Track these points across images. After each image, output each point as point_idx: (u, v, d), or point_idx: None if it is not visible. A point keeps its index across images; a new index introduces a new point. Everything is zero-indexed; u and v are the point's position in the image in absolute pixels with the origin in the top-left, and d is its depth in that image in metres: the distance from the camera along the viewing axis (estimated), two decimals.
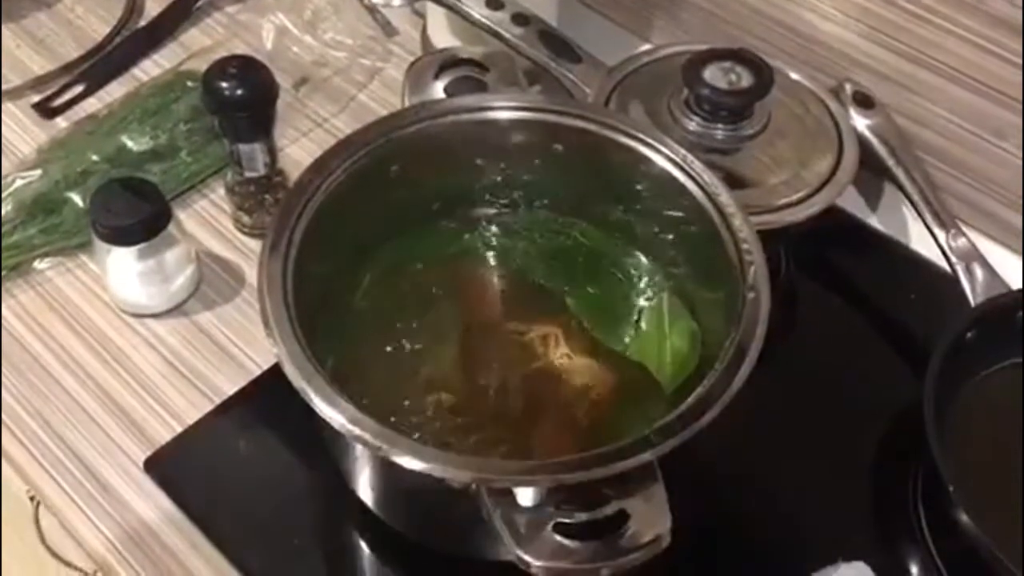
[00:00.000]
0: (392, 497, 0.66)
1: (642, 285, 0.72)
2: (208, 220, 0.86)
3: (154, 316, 0.80)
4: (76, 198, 0.83)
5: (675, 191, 0.67)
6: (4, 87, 0.95)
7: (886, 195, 0.88)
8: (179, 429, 0.74)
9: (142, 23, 1.01)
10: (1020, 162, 0.80)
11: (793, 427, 0.74)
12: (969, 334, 0.74)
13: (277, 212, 0.65)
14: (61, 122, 0.93)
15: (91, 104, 0.94)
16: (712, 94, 0.75)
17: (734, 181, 0.74)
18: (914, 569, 0.70)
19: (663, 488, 0.54)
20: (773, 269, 0.63)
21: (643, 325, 0.70)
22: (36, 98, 0.95)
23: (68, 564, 0.86)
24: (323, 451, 0.66)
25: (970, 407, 0.74)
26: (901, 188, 0.82)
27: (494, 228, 0.74)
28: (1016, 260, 0.82)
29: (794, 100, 0.82)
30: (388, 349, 0.69)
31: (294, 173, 0.80)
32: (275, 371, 0.60)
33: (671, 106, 0.79)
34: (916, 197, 0.81)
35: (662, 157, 0.68)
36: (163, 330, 0.79)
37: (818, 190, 0.77)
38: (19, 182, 0.84)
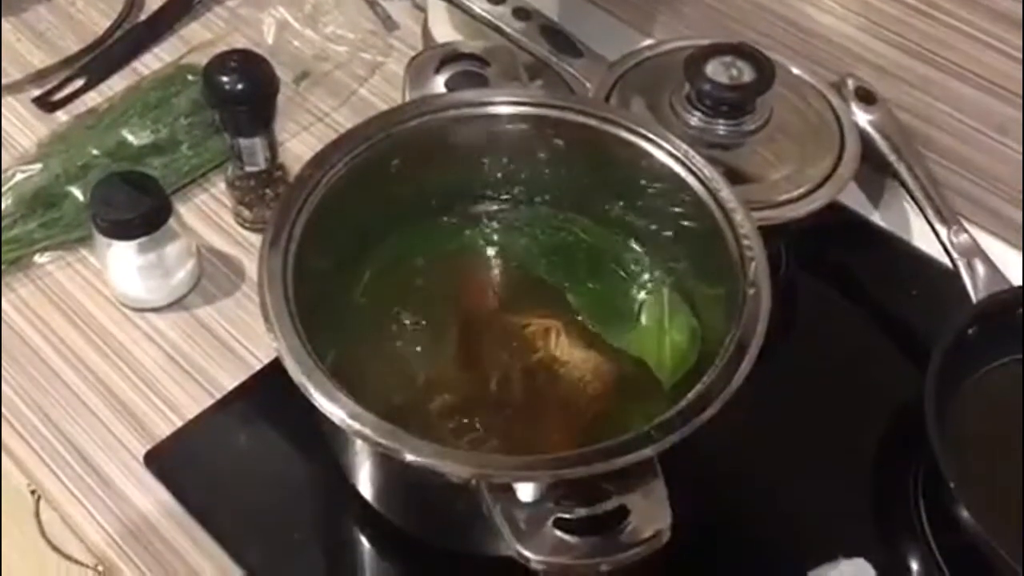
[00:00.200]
0: (392, 492, 0.66)
1: (642, 280, 0.72)
2: (208, 214, 0.86)
3: (154, 310, 0.80)
4: (76, 192, 0.83)
5: (676, 186, 0.67)
6: (4, 81, 0.95)
7: (888, 191, 0.88)
8: (179, 423, 0.74)
9: (142, 17, 1.01)
10: (1021, 157, 0.80)
11: (793, 423, 0.74)
12: (970, 330, 0.73)
13: (277, 206, 0.65)
14: (61, 116, 0.93)
15: (91, 98, 0.94)
16: (713, 89, 0.75)
17: (735, 177, 0.73)
18: (914, 565, 0.69)
19: (663, 484, 0.54)
20: (774, 265, 0.63)
21: (643, 320, 0.69)
22: (36, 92, 0.95)
23: (68, 558, 0.86)
24: (323, 446, 0.66)
25: (971, 403, 0.74)
26: (903, 184, 0.82)
27: (494, 223, 0.74)
28: (1018, 256, 0.82)
29: (796, 95, 0.81)
30: (388, 344, 0.69)
31: (295, 167, 0.80)
32: (275, 365, 0.60)
33: (672, 101, 0.79)
34: (918, 193, 0.81)
35: (663, 152, 0.68)
36: (163, 324, 0.79)
37: (820, 186, 0.76)
38: (19, 176, 0.84)
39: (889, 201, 0.88)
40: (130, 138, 0.87)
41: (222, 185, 0.86)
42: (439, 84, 0.75)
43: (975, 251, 0.77)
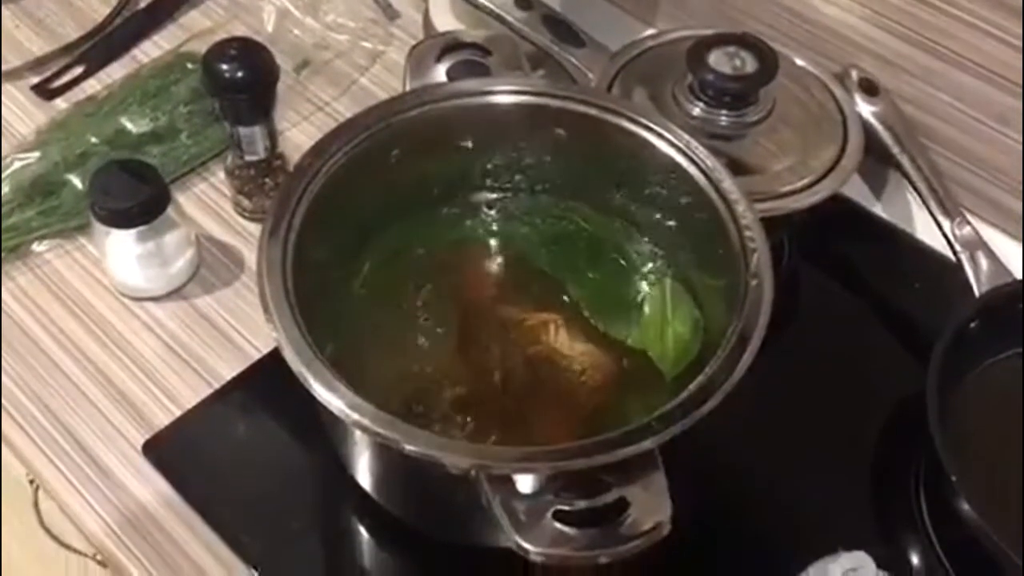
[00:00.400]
0: (391, 483, 0.65)
1: (644, 271, 0.71)
2: (208, 203, 0.86)
3: (153, 299, 0.80)
4: (75, 180, 0.83)
5: (678, 177, 0.67)
6: (3, 68, 0.94)
7: (890, 183, 0.87)
8: (178, 413, 0.74)
9: (142, 4, 1.01)
10: (1022, 148, 0.79)
11: (795, 415, 0.74)
12: (973, 324, 0.73)
13: (277, 196, 0.65)
14: (60, 103, 0.92)
15: (91, 86, 0.94)
16: (716, 79, 0.75)
17: (737, 167, 0.73)
18: (915, 559, 0.69)
19: (664, 476, 0.54)
20: (776, 257, 0.63)
21: (645, 311, 0.69)
22: (35, 79, 0.94)
23: (68, 547, 0.86)
24: (322, 436, 0.66)
25: (973, 397, 0.73)
26: (906, 176, 0.81)
27: (495, 213, 0.74)
28: (1020, 248, 0.82)
29: (799, 86, 0.81)
30: (388, 335, 0.68)
31: (294, 157, 0.80)
32: (274, 355, 0.59)
33: (675, 91, 0.78)
34: (921, 185, 0.80)
35: (665, 143, 0.68)
36: (162, 313, 0.79)
37: (822, 177, 0.76)
38: (18, 164, 0.83)
39: (891, 193, 0.87)
40: (129, 126, 0.86)
41: (221, 174, 0.86)
42: (440, 73, 0.74)
43: (978, 244, 0.77)
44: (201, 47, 0.80)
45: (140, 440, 0.72)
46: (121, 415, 0.74)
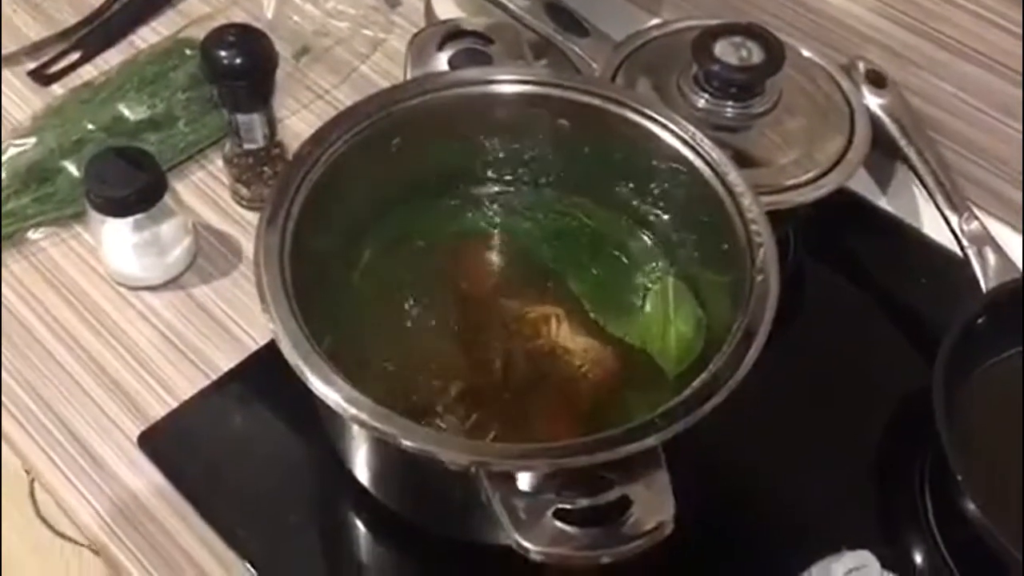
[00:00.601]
0: (389, 478, 0.65)
1: (647, 267, 0.70)
2: (205, 192, 0.85)
3: (149, 289, 0.79)
4: (71, 167, 0.82)
5: (683, 169, 0.66)
6: (0, 53, 0.93)
7: (896, 176, 0.86)
8: (174, 404, 0.73)
9: None
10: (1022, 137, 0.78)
11: (798, 412, 0.73)
12: (980, 320, 0.72)
13: (275, 185, 0.64)
14: (57, 89, 0.91)
15: (88, 71, 0.93)
16: (722, 70, 0.74)
17: (742, 160, 0.72)
18: (919, 558, 0.68)
19: (667, 474, 0.53)
20: (781, 251, 0.61)
21: (647, 309, 0.68)
22: (32, 65, 0.93)
23: (64, 536, 0.86)
24: (320, 429, 0.65)
25: (980, 395, 0.72)
26: (913, 169, 0.80)
27: (497, 206, 0.73)
28: None
29: (805, 78, 0.80)
30: (387, 326, 0.67)
31: (293, 145, 0.78)
32: (272, 347, 0.58)
33: (679, 82, 0.77)
34: (928, 179, 0.79)
35: (670, 134, 0.67)
36: (158, 303, 0.78)
37: (829, 171, 0.75)
38: (13, 150, 0.82)
39: (898, 187, 0.86)
40: (126, 113, 0.85)
41: (219, 162, 0.85)
42: (442, 62, 0.73)
43: (986, 239, 0.76)
44: (199, 33, 0.79)
45: (135, 432, 0.71)
46: (116, 406, 0.73)
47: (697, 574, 0.66)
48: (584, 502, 0.52)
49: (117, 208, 0.74)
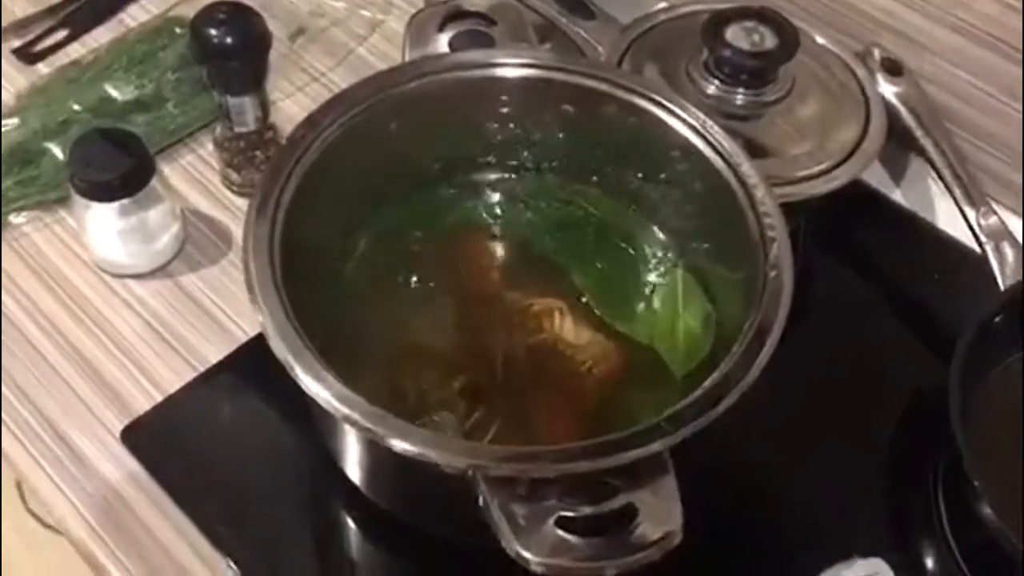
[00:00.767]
0: (382, 478, 0.62)
1: (655, 261, 0.68)
2: (195, 176, 0.82)
3: (135, 276, 0.76)
4: (55, 149, 0.79)
5: (692, 159, 0.64)
6: None
7: (911, 168, 0.84)
8: (159, 398, 0.70)
9: None
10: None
11: (809, 414, 0.70)
12: (997, 318, 0.70)
13: (266, 170, 0.62)
14: (43, 68, 0.88)
15: (75, 50, 0.90)
16: (733, 55, 0.72)
17: (752, 149, 0.69)
18: (931, 562, 0.66)
19: (674, 480, 0.50)
20: (791, 245, 0.59)
21: (655, 304, 0.66)
22: (17, 43, 0.90)
23: (50, 527, 0.83)
24: (311, 426, 0.63)
25: (997, 395, 0.70)
26: (929, 161, 0.78)
27: (498, 195, 0.70)
28: None
29: (819, 65, 0.78)
30: (382, 319, 0.65)
31: (287, 129, 0.76)
32: (262, 338, 0.56)
33: (689, 68, 0.75)
34: (945, 172, 0.77)
35: (679, 122, 0.64)
36: (145, 292, 0.75)
37: (842, 162, 0.73)
38: None
39: (912, 179, 0.84)
40: (113, 93, 0.82)
41: (210, 146, 0.82)
42: (442, 44, 0.71)
43: (1004, 234, 0.74)
44: (190, 11, 0.76)
45: (118, 426, 0.68)
46: (99, 398, 0.70)
47: None
48: (587, 510, 0.49)
49: (102, 193, 0.71)
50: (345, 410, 0.51)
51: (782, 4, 0.83)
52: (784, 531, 0.66)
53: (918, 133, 0.78)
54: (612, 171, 0.69)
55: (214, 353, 0.72)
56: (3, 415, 0.69)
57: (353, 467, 0.62)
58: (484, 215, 0.70)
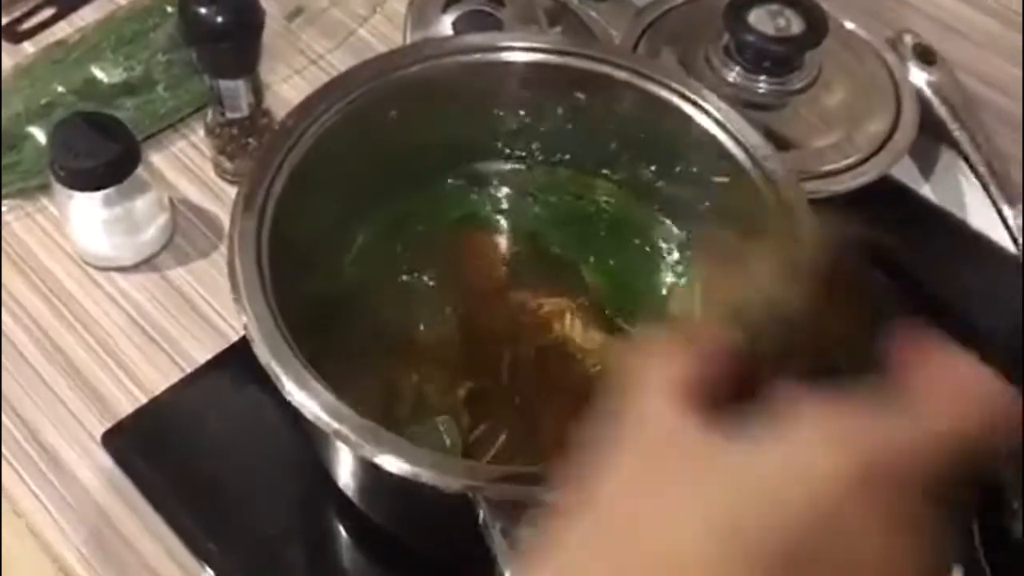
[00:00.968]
0: (376, 491, 0.58)
1: (672, 260, 0.64)
2: (186, 164, 0.78)
3: (120, 270, 0.72)
4: (38, 134, 0.75)
5: (714, 153, 0.60)
6: None
7: (941, 161, 0.79)
8: (143, 399, 0.66)
9: None
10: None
11: None
12: None
13: (255, 159, 0.58)
14: (28, 47, 0.84)
15: (62, 29, 0.85)
16: (757, 41, 0.68)
17: (776, 141, 0.66)
18: None
19: None
20: None
21: (670, 307, 0.62)
22: (3, 20, 0.86)
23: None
24: (302, 433, 0.59)
25: None
26: (964, 156, 0.74)
27: (505, 188, 0.66)
28: None
29: (847, 52, 0.74)
30: (379, 321, 0.61)
31: (283, 114, 0.72)
32: None
33: (708, 53, 0.72)
34: (981, 167, 0.73)
35: (698, 111, 0.61)
36: (130, 286, 0.71)
37: (871, 156, 0.69)
38: None
39: (942, 173, 0.79)
40: (100, 75, 0.78)
41: (202, 132, 0.78)
42: (446, 26, 0.69)
43: None
44: None
45: (99, 429, 0.65)
46: (79, 399, 0.66)
47: None
48: None
49: (84, 181, 0.67)
50: (334, 424, 0.47)
51: None
52: None
53: (952, 125, 0.74)
54: (626, 163, 0.65)
55: (202, 352, 0.68)
56: None
57: (345, 478, 0.58)
58: (490, 209, 0.66)
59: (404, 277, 0.63)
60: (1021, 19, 0.71)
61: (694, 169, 0.62)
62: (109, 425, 0.65)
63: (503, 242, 0.66)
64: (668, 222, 0.65)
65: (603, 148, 0.65)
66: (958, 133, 0.74)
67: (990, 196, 0.72)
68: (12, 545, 0.95)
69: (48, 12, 0.86)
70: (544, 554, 0.31)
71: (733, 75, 0.70)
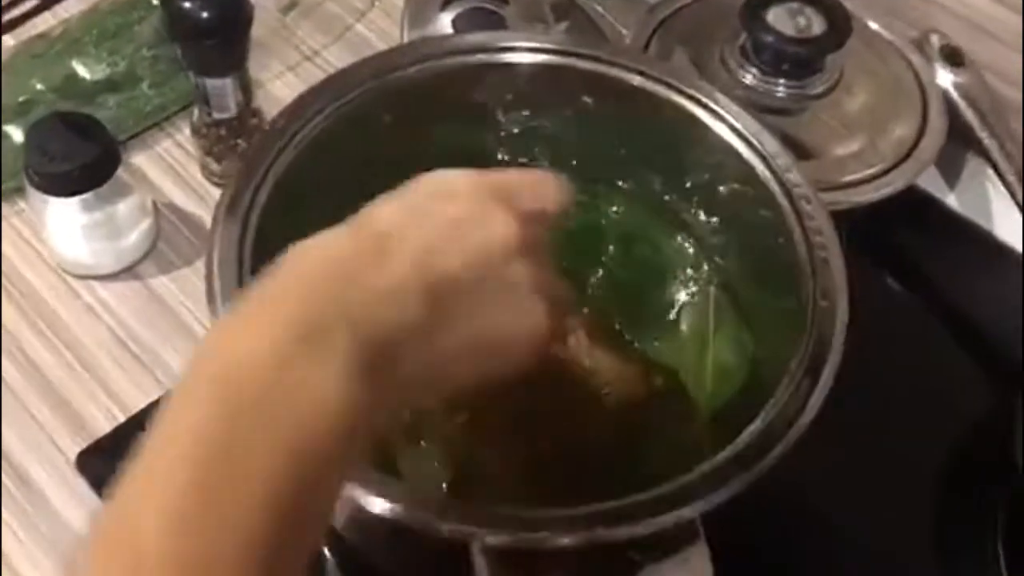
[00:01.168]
0: (362, 525, 0.55)
1: (683, 276, 0.60)
2: (171, 165, 0.75)
3: (100, 278, 0.69)
4: (15, 133, 0.72)
5: (730, 161, 0.57)
6: None
7: (967, 169, 0.76)
8: (122, 418, 0.63)
9: None
10: None
11: (854, 447, 0.62)
12: None
13: (239, 165, 0.55)
14: (8, 41, 0.81)
15: (44, 21, 0.82)
16: (776, 41, 0.66)
17: (794, 149, 0.63)
18: None
19: (706, 549, 0.43)
20: None
21: (682, 328, 0.58)
22: None
23: None
24: None
25: None
26: (993, 164, 0.71)
27: None
28: None
29: (870, 53, 0.72)
30: None
31: (274, 114, 0.69)
32: None
33: (723, 54, 0.69)
34: (1010, 176, 0.70)
35: (713, 117, 0.58)
36: (110, 295, 0.69)
37: (896, 164, 0.66)
38: None
39: (968, 181, 0.76)
40: (81, 71, 0.75)
41: (188, 131, 0.75)
42: (445, 23, 0.67)
43: None
44: None
45: (74, 450, 0.62)
46: (53, 418, 0.63)
47: None
48: None
49: (60, 186, 0.64)
50: None
51: None
52: None
53: (980, 131, 0.71)
54: (637, 171, 0.62)
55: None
56: None
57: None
58: None
59: None
60: None
61: (707, 179, 0.59)
62: (85, 445, 0.62)
63: None
64: (680, 235, 0.61)
65: (611, 156, 0.62)
66: (987, 139, 0.71)
67: (1019, 205, 0.69)
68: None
69: (30, 3, 0.83)
70: None
71: (749, 77, 0.68)
